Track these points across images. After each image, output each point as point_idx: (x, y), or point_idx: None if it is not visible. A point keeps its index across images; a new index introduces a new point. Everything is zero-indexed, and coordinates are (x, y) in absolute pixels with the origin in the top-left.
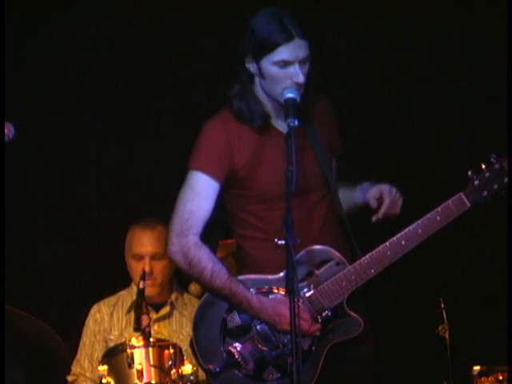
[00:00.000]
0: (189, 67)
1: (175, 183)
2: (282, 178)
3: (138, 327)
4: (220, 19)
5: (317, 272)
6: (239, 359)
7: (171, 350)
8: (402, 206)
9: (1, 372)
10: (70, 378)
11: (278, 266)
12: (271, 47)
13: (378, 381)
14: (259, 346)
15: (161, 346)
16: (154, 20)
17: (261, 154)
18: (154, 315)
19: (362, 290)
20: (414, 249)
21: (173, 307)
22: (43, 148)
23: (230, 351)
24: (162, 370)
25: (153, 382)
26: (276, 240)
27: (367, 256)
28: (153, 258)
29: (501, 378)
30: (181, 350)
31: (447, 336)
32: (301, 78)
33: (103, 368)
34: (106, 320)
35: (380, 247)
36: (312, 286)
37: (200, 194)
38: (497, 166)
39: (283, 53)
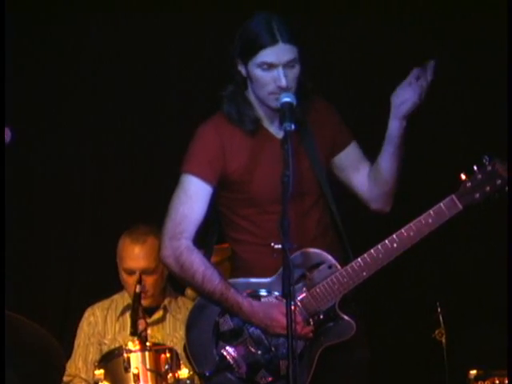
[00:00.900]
0: (189, 71)
1: (174, 184)
2: (274, 182)
3: (134, 331)
4: (220, 20)
5: (309, 275)
6: (232, 362)
7: (168, 355)
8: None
9: (1, 372)
10: (65, 379)
11: (269, 269)
12: (256, 49)
13: None
14: (252, 349)
15: (157, 350)
16: (154, 20)
17: (254, 158)
18: (147, 319)
19: (354, 293)
20: (406, 251)
21: (166, 311)
22: (43, 148)
23: (222, 354)
24: (158, 374)
25: None
26: (272, 244)
27: (359, 259)
28: (144, 272)
29: (497, 382)
30: (177, 354)
31: (444, 340)
32: (283, 82)
33: (100, 372)
34: (100, 323)
35: (372, 250)
36: (304, 288)
37: (193, 197)
38: (489, 168)
39: (267, 55)
